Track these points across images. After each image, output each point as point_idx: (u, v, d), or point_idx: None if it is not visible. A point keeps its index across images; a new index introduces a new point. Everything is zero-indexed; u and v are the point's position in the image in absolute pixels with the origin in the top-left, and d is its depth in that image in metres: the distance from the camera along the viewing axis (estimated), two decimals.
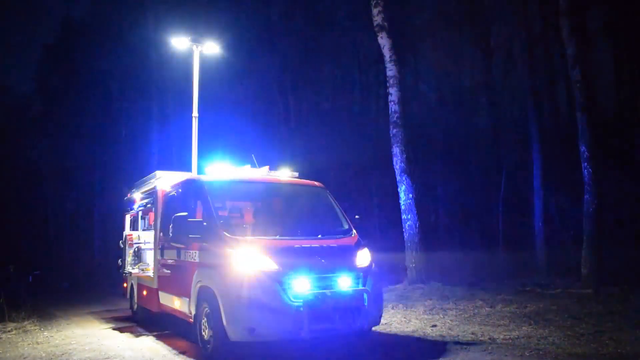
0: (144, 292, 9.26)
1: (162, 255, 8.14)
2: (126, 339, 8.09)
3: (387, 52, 14.30)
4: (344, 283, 6.00)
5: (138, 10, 26.13)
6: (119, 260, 10.88)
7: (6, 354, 6.99)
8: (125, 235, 10.88)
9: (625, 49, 19.05)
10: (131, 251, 10.15)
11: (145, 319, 9.56)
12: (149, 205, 9.45)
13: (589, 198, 12.08)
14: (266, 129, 25.74)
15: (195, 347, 6.67)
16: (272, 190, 7.48)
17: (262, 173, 7.73)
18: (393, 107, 14.13)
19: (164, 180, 8.85)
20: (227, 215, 6.96)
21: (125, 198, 11.26)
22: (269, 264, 5.76)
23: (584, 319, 8.01)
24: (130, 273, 10.01)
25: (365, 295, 5.99)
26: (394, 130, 13.99)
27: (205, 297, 6.17)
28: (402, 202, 13.79)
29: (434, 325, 8.17)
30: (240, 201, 7.76)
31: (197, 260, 6.58)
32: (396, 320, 8.86)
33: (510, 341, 6.72)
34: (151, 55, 24.62)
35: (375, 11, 14.45)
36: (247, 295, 5.58)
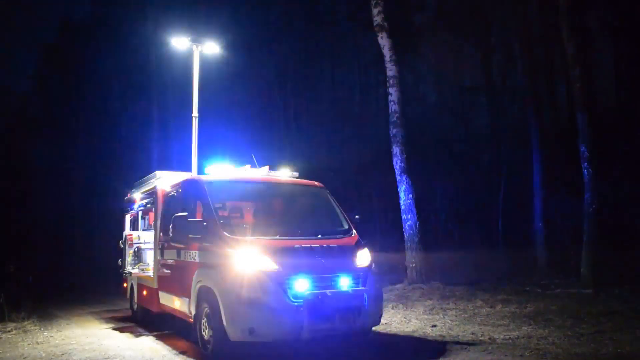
0: (144, 292, 9.26)
1: (162, 255, 8.14)
2: (126, 339, 8.09)
3: (387, 52, 14.29)
4: (344, 283, 6.00)
5: (138, 11, 26.14)
6: (119, 260, 10.88)
7: (6, 354, 6.99)
8: (125, 235, 10.88)
9: (625, 49, 19.04)
10: (131, 251, 10.16)
11: (145, 319, 9.55)
12: (149, 205, 9.45)
13: (589, 198, 12.08)
14: (266, 129, 25.74)
15: (195, 347, 6.67)
16: (272, 190, 7.48)
17: (262, 173, 7.73)
18: (393, 107, 14.13)
19: (164, 180, 8.85)
20: (227, 215, 6.96)
21: (125, 198, 11.25)
22: (269, 264, 5.76)
23: (584, 319, 8.01)
24: (130, 273, 10.02)
25: (365, 295, 5.99)
26: (394, 130, 13.98)
27: (205, 297, 6.17)
28: (402, 202, 13.78)
29: (434, 325, 8.17)
30: (240, 201, 7.77)
31: (197, 260, 6.58)
32: (396, 320, 8.86)
33: (510, 341, 6.72)
34: (151, 55, 24.62)
35: (375, 11, 14.45)
36: (247, 295, 5.58)
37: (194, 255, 6.69)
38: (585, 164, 12.11)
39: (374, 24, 14.52)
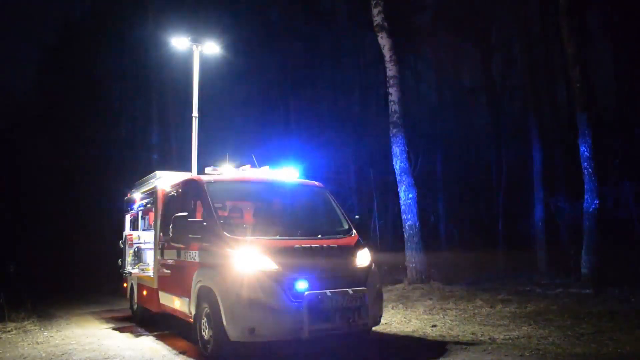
0: (144, 292, 9.26)
1: (162, 255, 8.14)
2: (126, 339, 8.09)
3: (387, 52, 14.30)
4: (344, 283, 5.99)
5: (138, 11, 26.13)
6: (119, 260, 10.88)
7: (6, 354, 6.99)
8: (125, 235, 10.88)
9: (625, 49, 19.04)
10: (131, 251, 10.15)
11: (145, 319, 9.55)
12: (149, 205, 9.45)
13: (589, 198, 12.09)
14: (266, 129, 25.74)
15: (195, 347, 6.67)
16: (272, 190, 7.48)
17: (262, 173, 7.73)
18: (393, 107, 14.14)
19: (164, 180, 8.85)
20: (227, 215, 6.95)
21: (125, 198, 11.25)
22: (269, 264, 5.76)
23: (584, 319, 8.02)
24: (130, 273, 10.01)
25: (365, 295, 5.99)
26: (394, 130, 13.99)
27: (205, 297, 6.17)
28: (402, 202, 13.79)
29: (434, 325, 8.17)
30: (240, 201, 7.76)
31: (197, 260, 6.58)
32: (396, 320, 8.86)
33: (510, 341, 6.72)
34: (151, 55, 24.61)
35: (375, 11, 14.46)
36: (247, 295, 5.58)
37: (194, 255, 6.68)
38: (585, 164, 12.12)
39: (374, 24, 14.53)
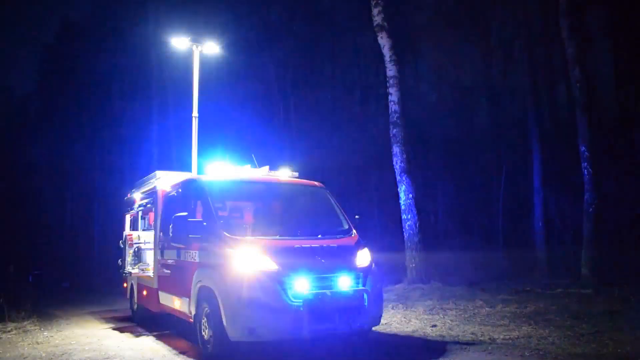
0: (144, 292, 9.26)
1: (162, 255, 8.14)
2: (126, 339, 8.09)
3: (387, 52, 14.30)
4: (344, 283, 6.00)
5: (138, 11, 26.16)
6: (119, 260, 10.88)
7: (6, 354, 6.99)
8: (125, 235, 10.87)
9: (625, 49, 19.04)
10: (131, 251, 10.14)
11: (145, 319, 9.56)
12: (149, 205, 9.45)
13: (589, 198, 12.10)
14: (266, 129, 25.75)
15: (195, 347, 6.68)
16: (272, 190, 7.48)
17: (262, 173, 7.73)
18: (393, 107, 14.13)
19: (164, 180, 8.85)
20: (227, 215, 6.96)
21: (125, 198, 11.26)
22: (269, 264, 5.76)
23: (584, 319, 8.01)
24: (130, 273, 10.00)
25: (365, 295, 5.99)
26: (394, 130, 13.99)
27: (205, 297, 6.17)
28: (402, 202, 13.79)
29: (434, 325, 8.17)
30: (240, 201, 7.76)
31: (197, 260, 6.58)
32: (396, 320, 8.86)
33: (510, 341, 6.72)
34: (151, 55, 24.65)
35: (375, 11, 14.46)
36: (247, 295, 5.58)
37: (194, 255, 6.68)
38: (585, 164, 12.13)
39: (374, 24, 14.53)
